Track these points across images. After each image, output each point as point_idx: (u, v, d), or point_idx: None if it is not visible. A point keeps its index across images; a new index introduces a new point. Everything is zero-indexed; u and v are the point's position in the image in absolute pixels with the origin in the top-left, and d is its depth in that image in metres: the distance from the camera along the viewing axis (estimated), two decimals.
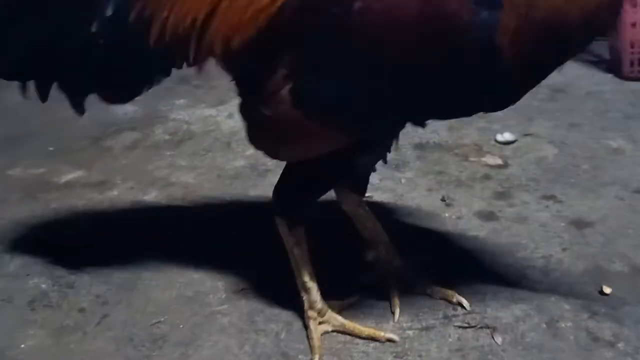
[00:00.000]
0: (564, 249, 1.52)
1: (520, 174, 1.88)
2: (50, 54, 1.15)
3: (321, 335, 1.26)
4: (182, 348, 1.26)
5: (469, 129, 2.16)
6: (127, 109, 2.40)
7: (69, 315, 1.37)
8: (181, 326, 1.32)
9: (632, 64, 2.56)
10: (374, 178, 1.79)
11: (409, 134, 2.05)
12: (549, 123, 2.21)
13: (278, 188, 1.22)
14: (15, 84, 1.22)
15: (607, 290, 1.36)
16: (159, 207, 1.79)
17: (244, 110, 1.12)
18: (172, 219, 1.74)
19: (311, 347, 1.24)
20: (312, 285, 1.27)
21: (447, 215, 1.69)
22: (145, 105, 2.44)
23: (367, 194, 1.41)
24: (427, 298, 1.36)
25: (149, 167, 2.02)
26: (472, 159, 1.99)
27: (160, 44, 1.06)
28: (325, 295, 1.29)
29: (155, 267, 1.50)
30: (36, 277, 1.48)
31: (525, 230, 1.60)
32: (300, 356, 1.24)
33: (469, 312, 1.32)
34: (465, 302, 1.33)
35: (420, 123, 1.08)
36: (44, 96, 1.21)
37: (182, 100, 2.52)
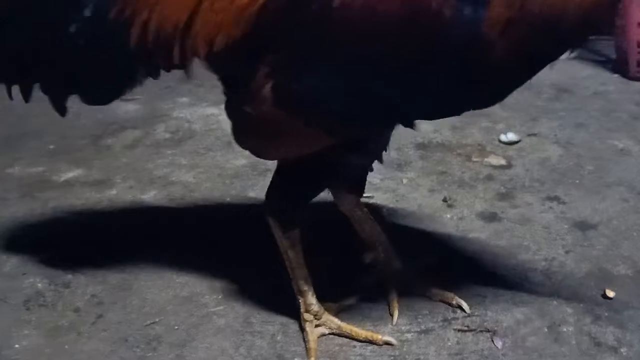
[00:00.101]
0: (567, 251, 1.50)
1: (523, 175, 1.86)
2: (29, 54, 1.13)
3: (318, 337, 1.25)
4: (177, 349, 1.25)
5: (472, 128, 2.15)
6: (128, 108, 2.40)
7: (64, 315, 1.35)
8: (176, 327, 1.31)
9: (638, 64, 2.56)
10: (375, 178, 1.78)
11: (411, 133, 2.02)
12: (553, 123, 2.19)
13: (270, 190, 1.20)
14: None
15: (610, 293, 1.34)
16: (158, 207, 1.78)
17: (230, 109, 1.11)
18: (171, 218, 1.73)
19: (307, 350, 1.23)
20: (308, 288, 1.25)
21: (448, 216, 1.67)
22: (147, 103, 2.44)
23: (368, 194, 1.40)
24: (426, 300, 1.35)
25: (149, 166, 2.00)
26: (475, 159, 1.97)
27: (141, 44, 1.05)
28: (322, 297, 1.28)
29: (152, 267, 1.48)
30: (32, 276, 1.47)
31: (528, 232, 1.58)
32: (296, 359, 1.22)
33: (469, 315, 1.30)
34: (465, 305, 1.31)
35: (408, 123, 1.06)
36: (26, 97, 1.20)
37: (184, 99, 2.52)
